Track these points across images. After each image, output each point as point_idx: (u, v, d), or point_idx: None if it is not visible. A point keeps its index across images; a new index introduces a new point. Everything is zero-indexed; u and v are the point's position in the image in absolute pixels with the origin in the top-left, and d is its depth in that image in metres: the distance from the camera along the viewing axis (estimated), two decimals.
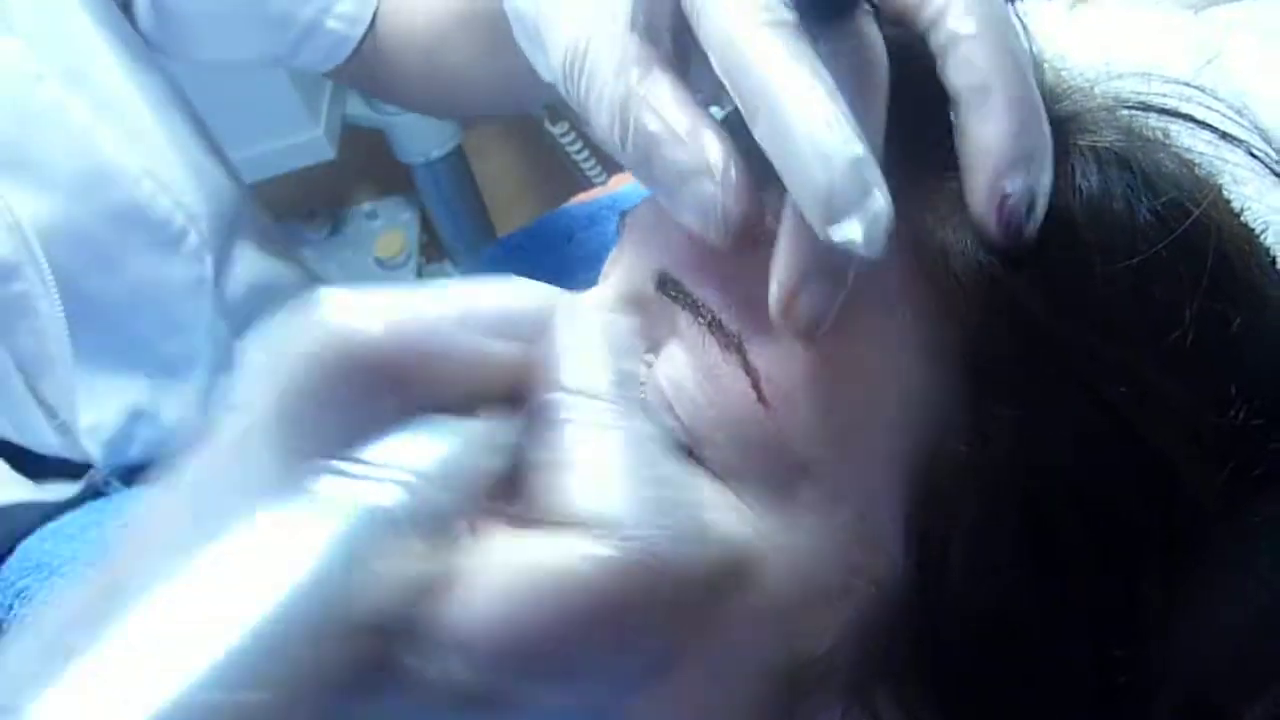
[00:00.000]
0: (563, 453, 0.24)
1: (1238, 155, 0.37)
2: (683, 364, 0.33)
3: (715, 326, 0.32)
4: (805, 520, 0.32)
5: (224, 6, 0.71)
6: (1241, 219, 0.36)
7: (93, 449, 0.70)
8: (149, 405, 0.72)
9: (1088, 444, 0.31)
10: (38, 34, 0.63)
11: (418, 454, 0.22)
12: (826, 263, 0.30)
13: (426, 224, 1.80)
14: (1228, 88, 0.37)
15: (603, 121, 0.34)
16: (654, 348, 0.35)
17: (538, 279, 0.92)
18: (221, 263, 0.75)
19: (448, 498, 0.22)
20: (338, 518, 0.20)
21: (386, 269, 1.75)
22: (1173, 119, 0.36)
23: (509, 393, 0.26)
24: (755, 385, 0.32)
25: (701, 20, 0.30)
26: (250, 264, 0.79)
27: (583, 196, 0.94)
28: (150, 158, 0.69)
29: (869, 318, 0.32)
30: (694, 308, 0.33)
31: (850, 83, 0.30)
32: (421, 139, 1.57)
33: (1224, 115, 0.36)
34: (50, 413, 0.67)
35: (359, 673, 0.20)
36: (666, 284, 0.34)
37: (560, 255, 0.87)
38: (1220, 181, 0.36)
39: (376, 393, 0.23)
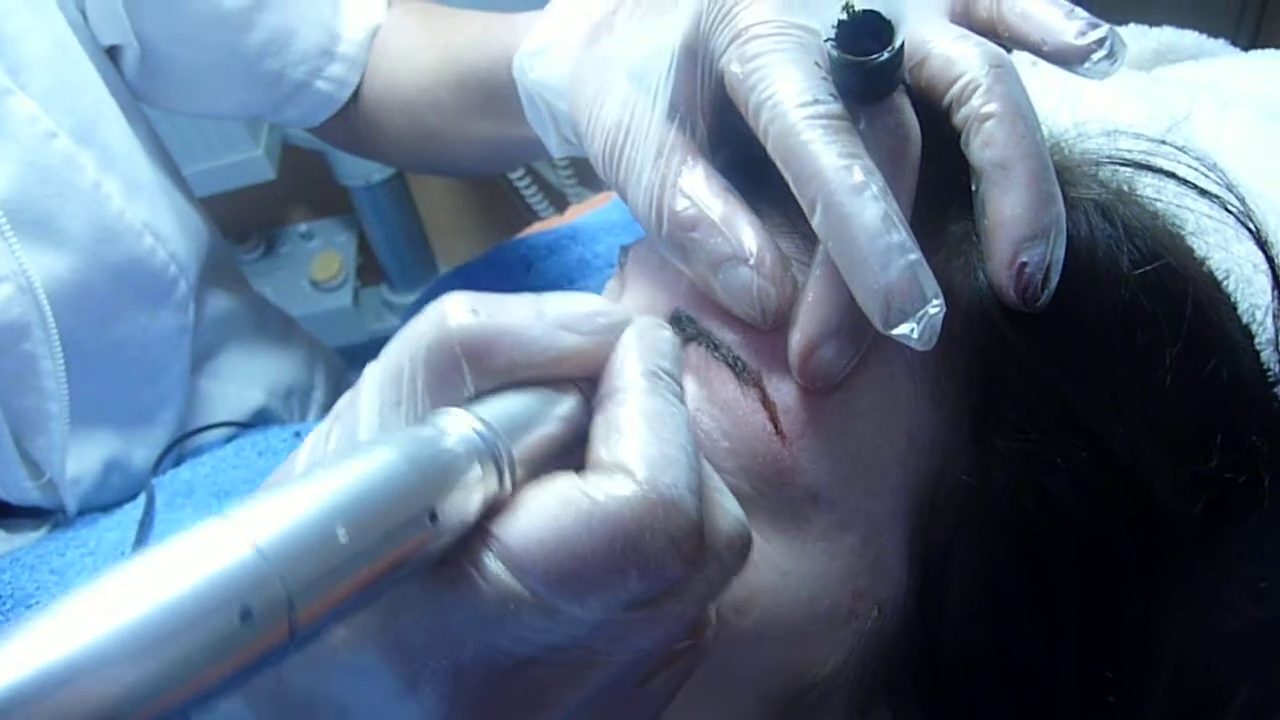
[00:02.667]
0: (616, 421, 0.28)
1: (1200, 206, 0.39)
2: (695, 396, 0.34)
3: (736, 363, 0.34)
4: (813, 547, 0.34)
5: (216, 63, 0.71)
6: (1205, 268, 0.39)
7: (70, 500, 0.68)
8: (122, 455, 0.71)
9: (1078, 476, 0.33)
10: (50, 90, 0.61)
11: (488, 410, 0.27)
12: (849, 322, 0.32)
13: (364, 246, 1.79)
14: (1196, 147, 0.39)
15: (640, 206, 0.36)
16: None
17: None
18: (198, 307, 0.74)
19: (504, 444, 0.27)
20: (411, 446, 0.25)
21: (322, 290, 1.73)
22: (1148, 174, 0.38)
23: (578, 376, 0.30)
24: (773, 418, 0.33)
25: (753, 110, 0.33)
26: (217, 302, 0.79)
27: (540, 226, 0.94)
28: (149, 210, 0.67)
29: (880, 353, 0.33)
30: (713, 345, 0.34)
31: (889, 161, 0.32)
32: (363, 162, 1.56)
33: (1197, 170, 0.39)
34: (35, 470, 0.66)
35: (416, 555, 0.25)
36: (682, 322, 0.35)
37: (518, 284, 0.88)
38: (1183, 231, 0.39)
39: (458, 366, 0.28)
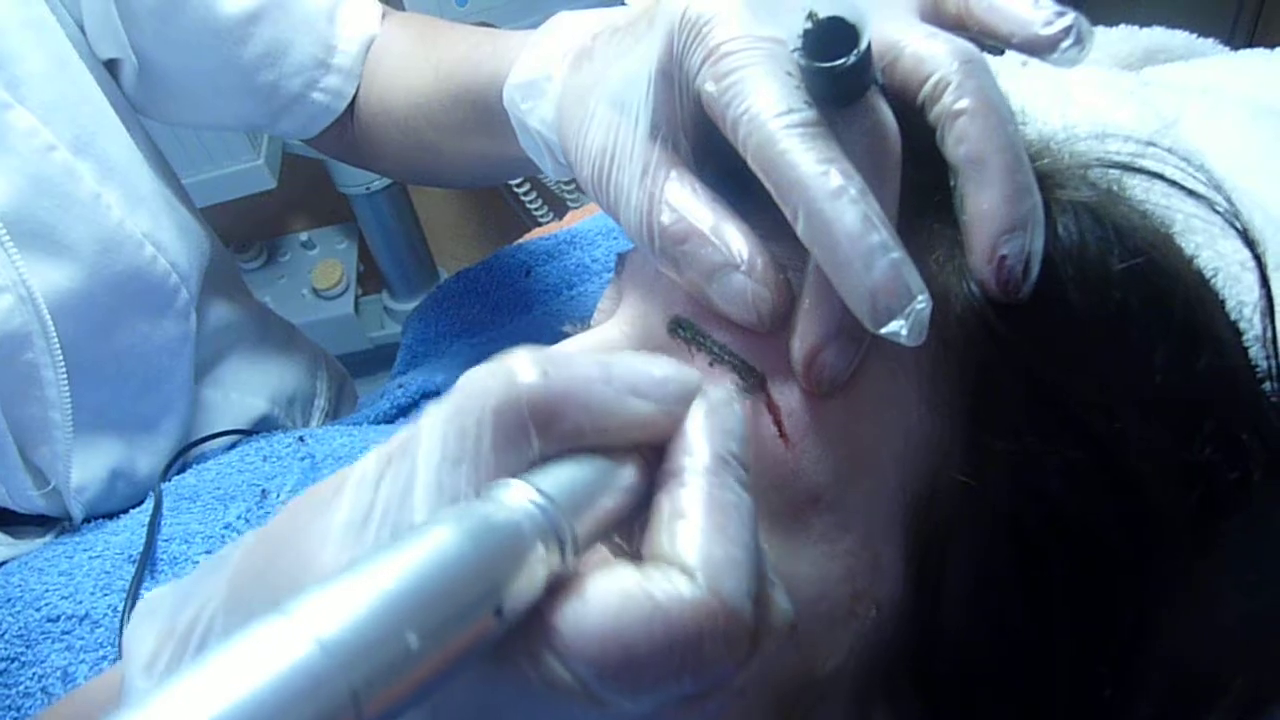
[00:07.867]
0: (682, 507, 0.27)
1: (1187, 206, 0.40)
2: None
3: (739, 367, 0.34)
4: (812, 549, 0.34)
5: (212, 76, 0.71)
6: (1193, 266, 0.40)
7: (76, 508, 0.69)
8: (127, 463, 0.72)
9: (1072, 475, 0.34)
10: (49, 103, 0.62)
11: (552, 481, 0.26)
12: (848, 324, 0.32)
13: (364, 254, 1.80)
14: (1183, 148, 0.40)
15: (631, 225, 0.36)
16: None
17: (495, 312, 0.93)
18: (200, 316, 0.75)
19: (567, 519, 0.26)
20: (473, 525, 0.24)
21: (323, 299, 1.74)
22: (1137, 175, 0.39)
23: (646, 443, 0.29)
24: (777, 421, 0.34)
25: (731, 125, 0.33)
26: (219, 311, 0.79)
27: (540, 232, 0.95)
28: (150, 221, 0.68)
29: (878, 357, 0.34)
30: (715, 350, 0.35)
31: (868, 160, 0.33)
32: (362, 171, 1.56)
33: (1184, 171, 0.39)
34: (40, 479, 0.67)
35: (478, 647, 0.24)
36: (683, 328, 0.36)
37: (518, 289, 0.89)
38: (1171, 231, 0.40)
39: (525, 429, 0.27)
